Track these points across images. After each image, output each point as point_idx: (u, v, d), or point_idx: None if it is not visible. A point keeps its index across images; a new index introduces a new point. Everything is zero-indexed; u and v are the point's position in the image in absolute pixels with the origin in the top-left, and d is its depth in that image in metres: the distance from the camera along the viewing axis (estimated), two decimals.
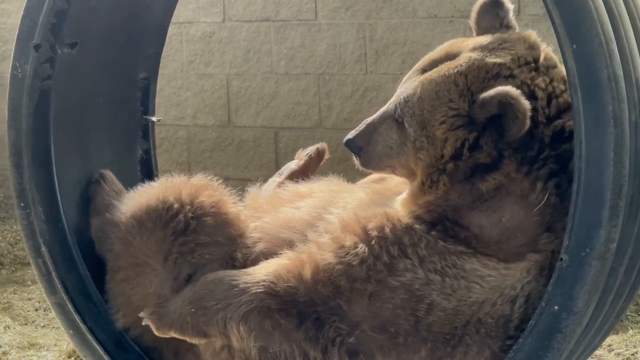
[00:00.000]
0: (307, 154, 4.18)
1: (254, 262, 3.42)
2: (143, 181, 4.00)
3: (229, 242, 3.48)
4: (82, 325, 3.68)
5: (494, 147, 3.10)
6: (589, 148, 2.89)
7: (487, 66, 3.16)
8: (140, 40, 4.29)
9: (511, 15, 3.40)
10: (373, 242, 3.16)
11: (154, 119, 4.39)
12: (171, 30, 7.29)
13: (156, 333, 3.41)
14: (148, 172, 4.37)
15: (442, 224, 3.17)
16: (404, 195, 3.35)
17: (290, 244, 3.37)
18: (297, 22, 6.94)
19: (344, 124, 6.91)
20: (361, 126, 3.40)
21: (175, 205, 3.49)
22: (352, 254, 3.16)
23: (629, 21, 3.03)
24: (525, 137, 3.08)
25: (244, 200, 3.78)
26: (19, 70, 3.65)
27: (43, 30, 3.64)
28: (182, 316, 3.32)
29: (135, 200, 3.61)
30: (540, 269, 3.09)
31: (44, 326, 5.54)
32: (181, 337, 3.37)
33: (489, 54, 3.20)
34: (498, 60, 3.17)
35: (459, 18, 6.53)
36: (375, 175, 3.84)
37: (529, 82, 3.12)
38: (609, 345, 5.23)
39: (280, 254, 3.33)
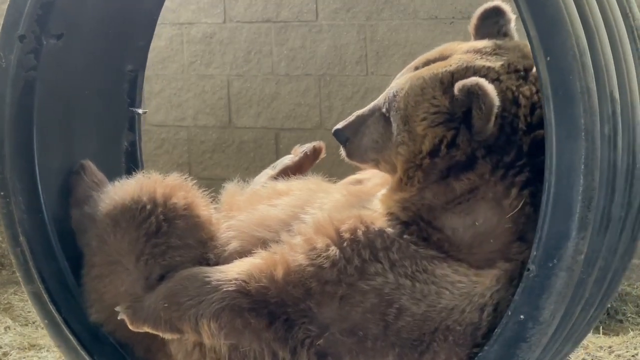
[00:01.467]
0: (303, 151, 4.18)
1: (227, 260, 3.43)
2: (128, 173, 4.04)
3: (199, 245, 3.50)
4: (57, 316, 3.71)
5: (469, 146, 3.12)
6: (559, 160, 2.89)
7: (475, 68, 3.17)
8: (129, 32, 4.30)
9: (512, 25, 3.42)
10: (345, 244, 3.16)
11: (140, 111, 4.41)
12: (172, 31, 7.35)
13: (130, 327, 3.42)
14: (133, 164, 4.40)
15: (416, 224, 3.18)
16: (384, 191, 3.36)
17: (264, 243, 3.37)
18: (297, 23, 6.95)
19: None
20: (351, 117, 3.45)
21: (149, 207, 3.50)
22: (323, 257, 3.17)
23: (605, 34, 3.04)
24: (502, 141, 3.09)
25: (220, 196, 3.80)
26: (3, 61, 3.66)
27: (28, 21, 3.65)
28: (156, 311, 3.35)
29: (112, 197, 3.61)
30: (510, 278, 3.09)
31: (44, 327, 5.54)
32: (154, 332, 3.39)
33: (480, 57, 3.22)
34: (487, 63, 3.18)
35: (460, 19, 6.54)
36: (356, 175, 3.86)
37: (514, 88, 3.11)
38: (610, 347, 5.28)
39: (254, 252, 3.34)
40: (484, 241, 3.11)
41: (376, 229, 3.18)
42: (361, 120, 3.42)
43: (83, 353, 3.69)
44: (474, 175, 3.11)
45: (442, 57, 3.29)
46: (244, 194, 3.79)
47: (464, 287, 3.09)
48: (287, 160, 4.18)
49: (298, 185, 3.68)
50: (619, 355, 5.17)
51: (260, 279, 3.21)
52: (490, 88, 3.01)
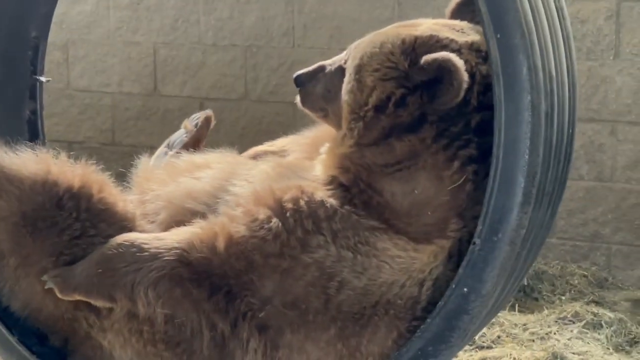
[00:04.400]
0: (195, 124, 4.15)
1: (157, 230, 3.40)
2: (30, 142, 3.89)
3: (118, 232, 3.39)
4: None
5: (418, 109, 3.12)
6: (507, 135, 2.94)
7: (439, 37, 3.20)
8: None
9: None
10: (288, 214, 3.15)
11: (43, 79, 4.34)
12: None
13: (60, 296, 3.32)
14: (34, 134, 4.34)
15: (356, 186, 3.19)
16: (325, 150, 3.37)
17: (194, 215, 3.34)
18: None
19: (270, 97, 6.92)
20: (315, 65, 3.49)
21: (73, 213, 3.39)
22: (265, 229, 3.15)
23: (543, 12, 3.10)
24: (453, 112, 3.11)
25: (134, 170, 3.74)
26: None
27: None
28: (89, 277, 3.27)
29: (16, 185, 3.42)
30: (448, 255, 3.13)
31: None
32: (86, 300, 3.31)
33: (447, 30, 3.25)
34: (452, 36, 3.20)
35: None
36: (264, 146, 3.89)
37: (473, 64, 3.13)
38: (524, 325, 5.35)
39: (184, 223, 3.31)
40: (421, 211, 3.13)
41: (318, 198, 3.18)
42: (320, 69, 3.47)
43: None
44: (416, 138, 3.12)
45: (413, 25, 3.31)
46: (159, 167, 3.74)
47: (403, 263, 3.11)
48: (183, 137, 4.13)
49: (216, 158, 3.64)
50: (533, 333, 5.26)
51: (202, 249, 3.18)
52: (461, 64, 3.03)
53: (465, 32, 3.25)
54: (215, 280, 3.17)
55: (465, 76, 3.03)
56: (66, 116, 7.41)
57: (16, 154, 3.51)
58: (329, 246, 3.12)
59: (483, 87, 3.12)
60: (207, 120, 4.16)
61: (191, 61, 7.11)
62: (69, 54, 7.25)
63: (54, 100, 7.35)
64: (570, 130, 3.32)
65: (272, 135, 3.98)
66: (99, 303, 3.32)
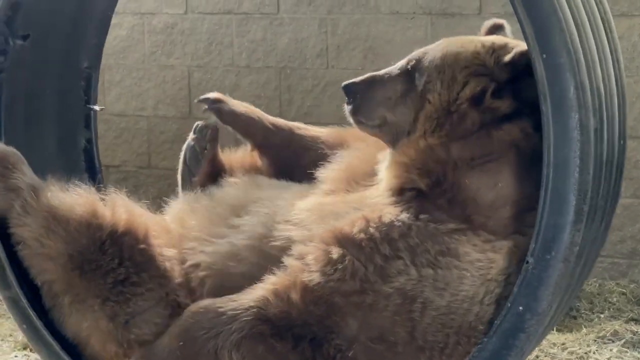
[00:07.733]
0: (205, 146, 4.23)
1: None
2: (87, 171, 4.08)
3: (159, 287, 3.44)
4: (36, 321, 3.60)
5: (514, 100, 3.20)
6: (556, 155, 2.97)
7: (510, 43, 3.33)
8: (85, 29, 4.31)
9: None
10: (363, 244, 3.14)
11: (96, 108, 4.40)
12: (133, 20, 7.30)
13: None
14: (91, 162, 4.41)
15: (439, 187, 3.20)
16: (386, 164, 3.38)
17: (242, 276, 3.35)
18: (259, 16, 6.93)
19: (304, 118, 6.91)
20: (365, 75, 3.48)
21: (116, 260, 3.42)
22: (340, 269, 3.14)
23: (589, 28, 3.13)
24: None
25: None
26: None
27: None
28: (172, 352, 3.29)
29: (64, 225, 3.45)
30: (519, 258, 3.11)
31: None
32: None
33: (507, 39, 3.40)
34: (519, 43, 3.30)
35: (421, 15, 6.56)
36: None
37: None
38: (563, 344, 5.24)
39: (234, 287, 3.32)
40: (501, 205, 3.17)
41: (387, 220, 3.18)
42: (375, 78, 3.45)
43: (66, 358, 3.58)
44: (516, 128, 3.20)
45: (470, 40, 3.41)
46: (194, 210, 3.72)
47: (482, 267, 3.12)
48: (199, 157, 4.20)
49: (248, 195, 3.65)
50: (572, 352, 5.12)
51: (277, 304, 3.18)
52: None
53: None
54: (298, 331, 3.17)
55: None
56: (103, 140, 7.43)
57: (68, 193, 3.54)
58: (409, 269, 3.12)
59: None
60: (213, 132, 4.30)
61: (225, 83, 7.13)
62: (105, 79, 7.28)
63: None
64: (622, 142, 3.36)
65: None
66: None
